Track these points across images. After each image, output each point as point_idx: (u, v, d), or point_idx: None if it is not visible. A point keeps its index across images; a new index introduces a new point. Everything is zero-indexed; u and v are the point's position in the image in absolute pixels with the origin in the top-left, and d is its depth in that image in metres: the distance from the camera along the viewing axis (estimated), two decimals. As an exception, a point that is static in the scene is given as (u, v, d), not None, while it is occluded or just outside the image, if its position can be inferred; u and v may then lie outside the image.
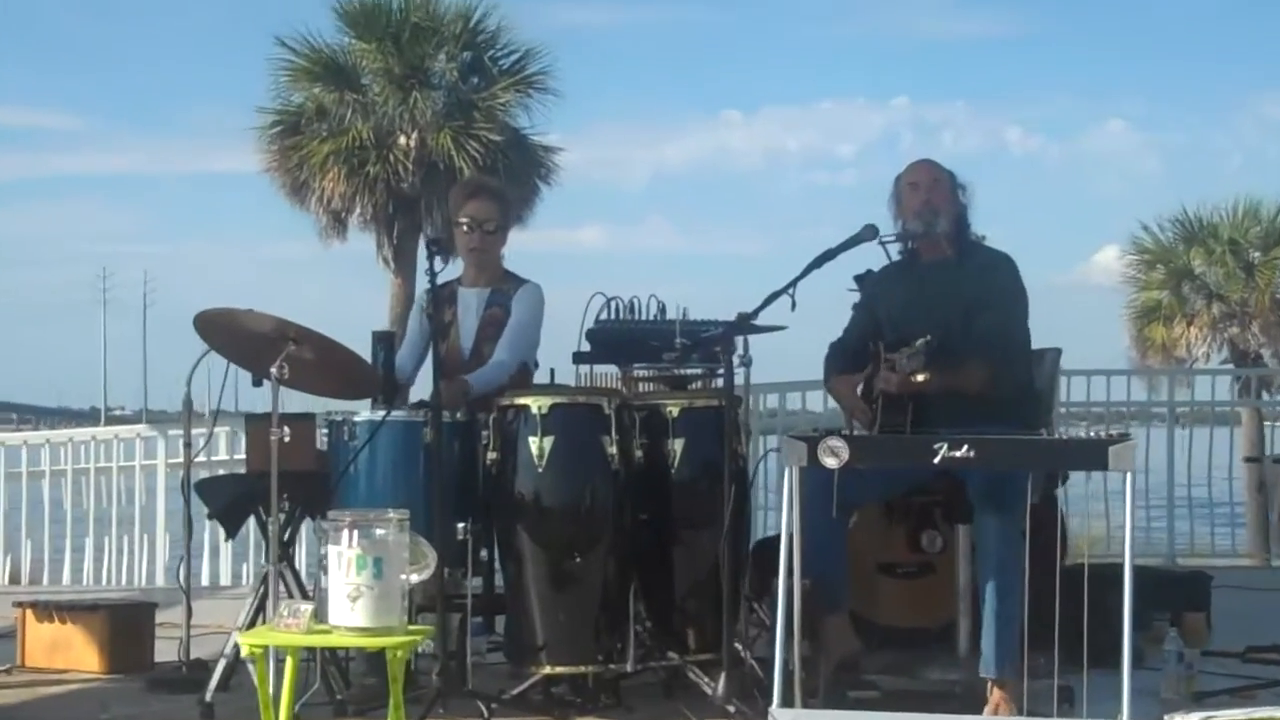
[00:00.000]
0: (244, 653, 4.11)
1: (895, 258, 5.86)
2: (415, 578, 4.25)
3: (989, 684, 5.41)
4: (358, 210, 22.26)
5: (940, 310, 5.59)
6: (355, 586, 3.99)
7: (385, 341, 6.11)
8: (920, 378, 5.39)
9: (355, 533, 4.01)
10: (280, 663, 4.32)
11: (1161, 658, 5.95)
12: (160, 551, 9.82)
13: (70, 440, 10.59)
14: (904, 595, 6.41)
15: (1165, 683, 5.78)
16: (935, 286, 5.69)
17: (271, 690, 4.20)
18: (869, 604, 6.37)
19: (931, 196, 5.71)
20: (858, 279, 6.35)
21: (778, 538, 5.44)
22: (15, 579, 10.30)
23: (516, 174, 22.39)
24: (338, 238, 22.69)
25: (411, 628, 4.15)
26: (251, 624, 5.53)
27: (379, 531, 4.04)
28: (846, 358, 5.95)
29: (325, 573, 4.12)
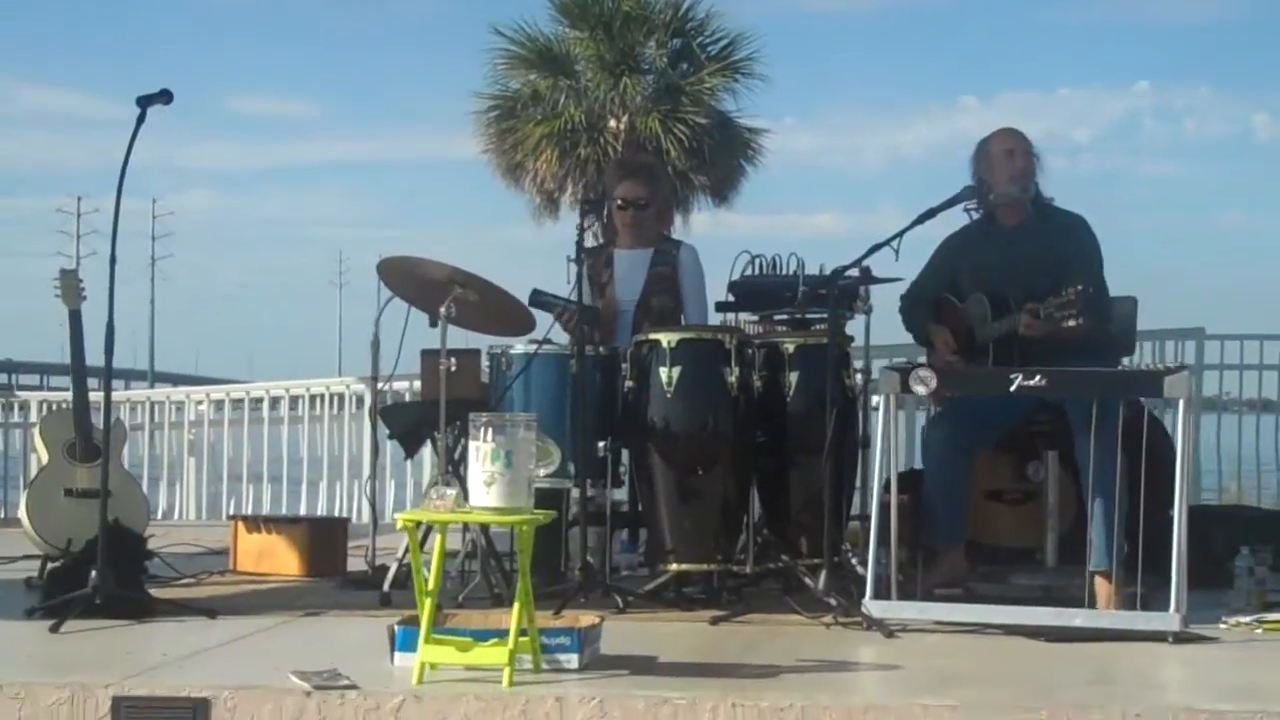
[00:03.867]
0: (398, 527, 4.98)
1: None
2: (542, 471, 5.09)
3: (1091, 578, 6.08)
4: (569, 190, 23.23)
5: (1030, 270, 6.28)
6: (490, 474, 4.82)
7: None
8: (1072, 323, 6.02)
9: (491, 429, 4.84)
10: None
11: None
12: (361, 492, 10.75)
13: (286, 391, 11.63)
14: (1010, 519, 7.09)
15: (1235, 594, 6.40)
16: (1020, 248, 6.38)
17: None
18: (978, 527, 7.05)
19: (1027, 164, 6.39)
20: None
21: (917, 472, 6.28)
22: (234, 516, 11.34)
23: (722, 155, 23.24)
24: (550, 217, 23.66)
25: (536, 510, 4.97)
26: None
27: (510, 429, 4.87)
28: (928, 308, 6.64)
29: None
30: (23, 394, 12.74)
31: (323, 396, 11.57)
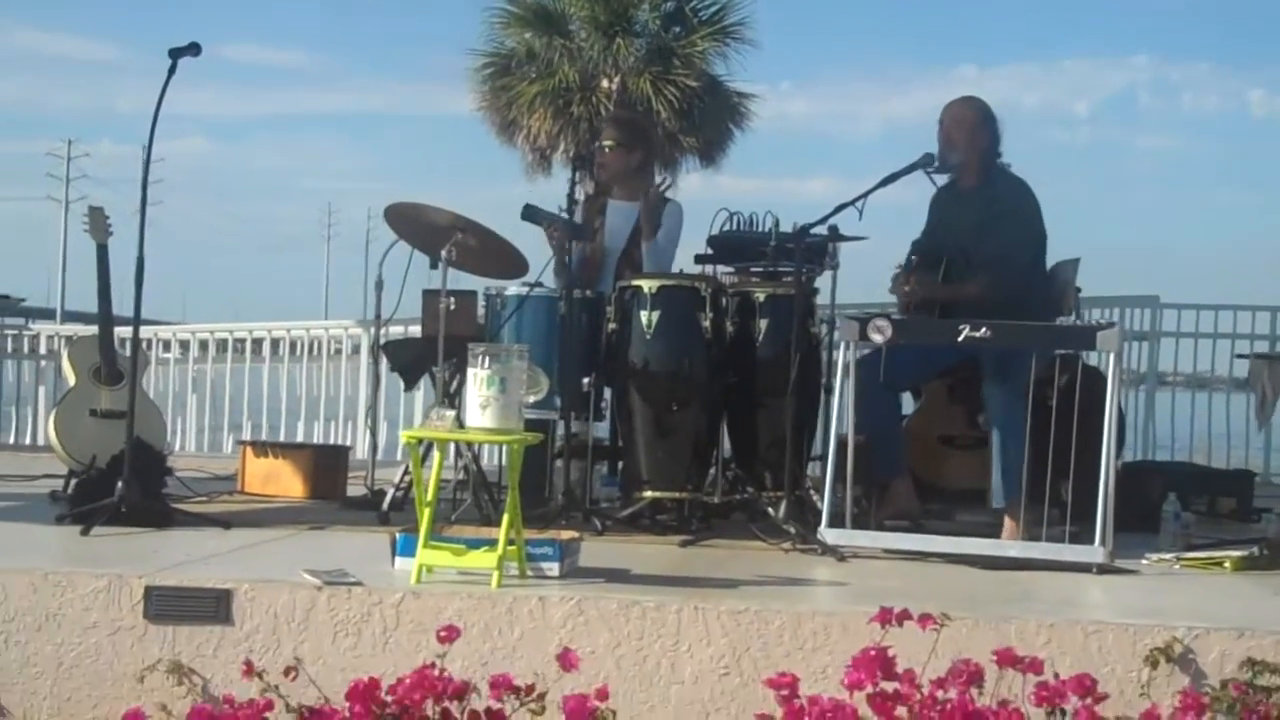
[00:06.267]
0: (402, 442, 5.57)
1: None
2: (531, 398, 5.66)
3: (1003, 516, 6.71)
4: (561, 148, 23.77)
5: (958, 231, 6.91)
6: (485, 398, 5.38)
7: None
8: (905, 289, 6.94)
9: (487, 358, 5.41)
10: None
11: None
12: (361, 432, 11.33)
13: (287, 332, 12.22)
14: (960, 463, 7.69)
15: (1162, 537, 7.00)
16: (960, 209, 6.99)
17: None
18: (933, 471, 7.66)
19: (952, 133, 6.97)
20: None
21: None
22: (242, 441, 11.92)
23: (711, 118, 23.79)
24: (543, 173, 24.20)
25: (525, 433, 5.55)
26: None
27: (505, 358, 5.44)
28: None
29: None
30: (35, 327, 13.31)
31: (320, 339, 12.15)
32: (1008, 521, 6.63)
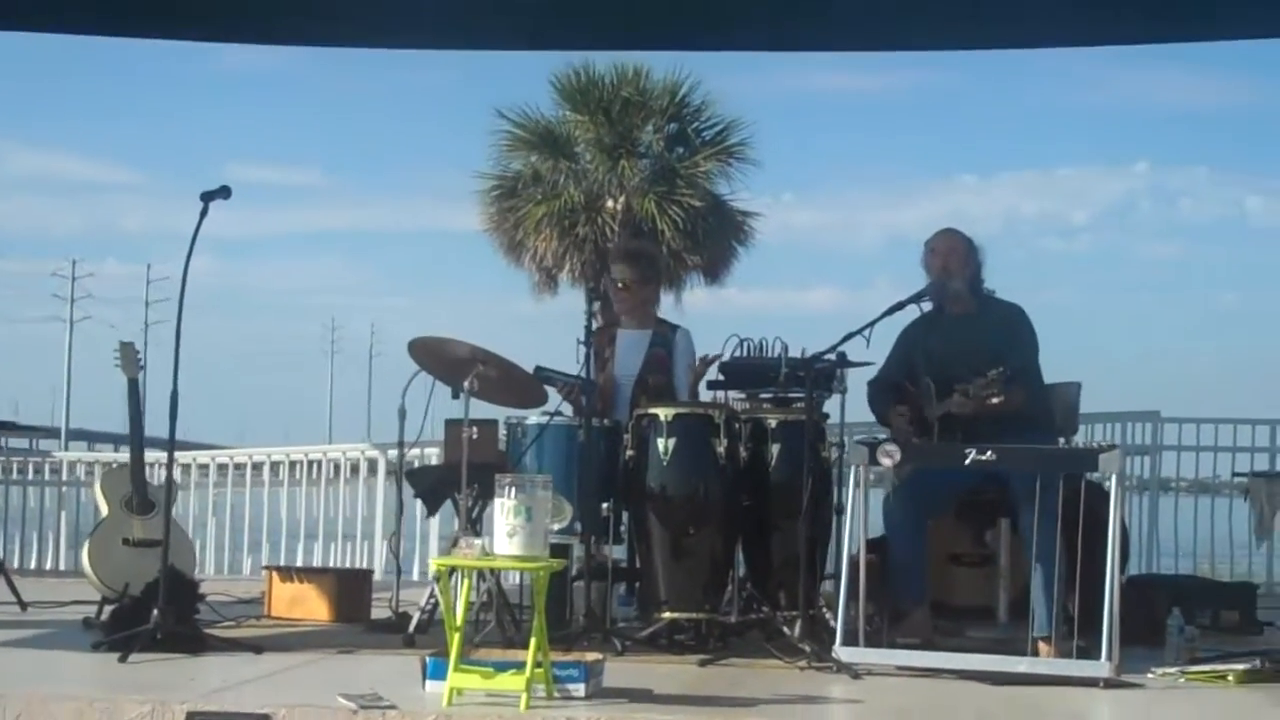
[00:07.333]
0: (432, 571, 5.78)
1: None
2: (556, 525, 5.91)
3: (1036, 642, 6.83)
4: (567, 267, 24.15)
5: (970, 355, 7.08)
6: (512, 526, 5.62)
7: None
8: (996, 400, 6.84)
9: (514, 488, 5.65)
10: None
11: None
12: (378, 552, 11.53)
13: (305, 456, 12.44)
14: (969, 580, 7.90)
15: (1167, 650, 7.17)
16: (963, 335, 7.21)
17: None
18: (940, 587, 7.84)
19: (947, 262, 7.24)
20: None
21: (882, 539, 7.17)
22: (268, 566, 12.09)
23: (714, 236, 24.18)
24: (549, 292, 24.61)
25: (551, 560, 5.77)
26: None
27: (530, 488, 5.68)
28: (889, 392, 7.45)
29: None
30: (58, 455, 13.53)
31: (338, 461, 12.37)
32: (1043, 647, 6.78)
